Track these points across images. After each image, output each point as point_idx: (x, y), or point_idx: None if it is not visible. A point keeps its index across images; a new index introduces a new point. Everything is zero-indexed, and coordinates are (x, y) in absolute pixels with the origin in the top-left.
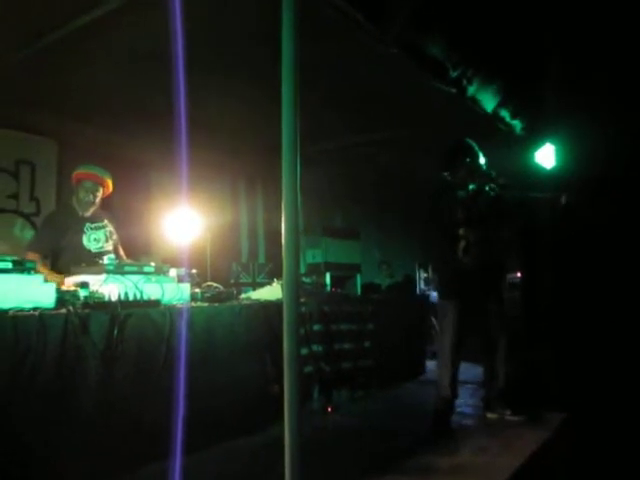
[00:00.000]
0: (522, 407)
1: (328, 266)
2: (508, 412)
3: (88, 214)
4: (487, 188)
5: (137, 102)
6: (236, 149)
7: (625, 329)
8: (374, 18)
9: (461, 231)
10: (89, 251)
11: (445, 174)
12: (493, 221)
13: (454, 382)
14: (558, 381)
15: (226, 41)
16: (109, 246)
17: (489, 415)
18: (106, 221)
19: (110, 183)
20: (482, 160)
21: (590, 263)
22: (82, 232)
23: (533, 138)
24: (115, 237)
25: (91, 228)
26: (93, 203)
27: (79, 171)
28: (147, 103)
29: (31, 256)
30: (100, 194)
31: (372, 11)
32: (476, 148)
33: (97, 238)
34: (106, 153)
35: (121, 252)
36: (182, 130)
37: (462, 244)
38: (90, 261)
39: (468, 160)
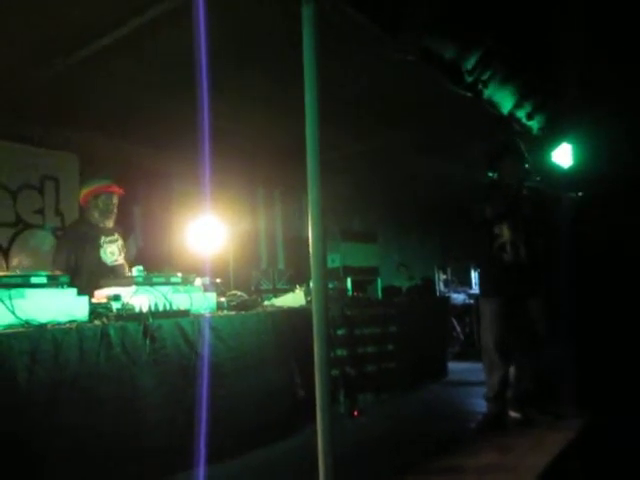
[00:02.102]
0: (548, 407)
1: (347, 270)
2: (534, 411)
3: (110, 225)
4: (528, 187)
5: (159, 114)
6: (255, 157)
7: None
8: (391, 30)
9: (497, 229)
10: (105, 264)
11: (490, 174)
12: (531, 220)
13: (504, 383)
14: (582, 379)
15: (247, 54)
16: (121, 259)
17: (513, 414)
18: (117, 235)
19: (117, 187)
20: (524, 160)
21: (612, 262)
22: (99, 246)
23: (550, 138)
24: (125, 251)
25: (106, 242)
26: (114, 212)
27: (92, 187)
28: (169, 115)
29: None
30: (117, 201)
31: (388, 24)
32: (521, 148)
33: (112, 251)
34: (128, 164)
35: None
36: (205, 141)
37: (499, 242)
38: (107, 274)
39: (512, 159)
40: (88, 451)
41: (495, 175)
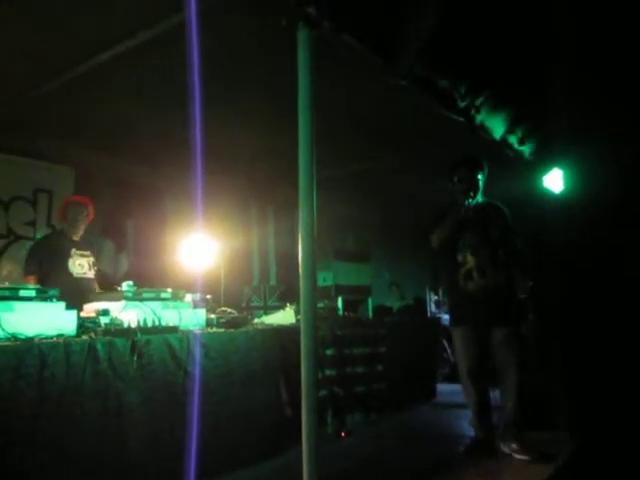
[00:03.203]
0: (529, 443)
1: (338, 289)
2: (514, 447)
3: (78, 236)
4: (493, 207)
5: (154, 131)
6: (249, 176)
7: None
8: (384, 57)
9: (460, 257)
10: (71, 275)
11: (450, 185)
12: (500, 242)
13: (481, 408)
14: (569, 403)
15: (241, 75)
16: (91, 274)
17: (501, 446)
18: (89, 252)
19: (91, 206)
20: (480, 175)
21: (601, 286)
22: (69, 255)
23: (541, 163)
24: (96, 269)
25: (77, 254)
26: (82, 222)
27: (65, 201)
28: (163, 133)
29: (29, 279)
30: (86, 214)
31: (381, 51)
32: (479, 161)
33: (81, 264)
34: (122, 180)
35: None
36: (198, 159)
37: (463, 270)
38: (72, 285)
39: (466, 171)
40: (72, 467)
41: (452, 186)
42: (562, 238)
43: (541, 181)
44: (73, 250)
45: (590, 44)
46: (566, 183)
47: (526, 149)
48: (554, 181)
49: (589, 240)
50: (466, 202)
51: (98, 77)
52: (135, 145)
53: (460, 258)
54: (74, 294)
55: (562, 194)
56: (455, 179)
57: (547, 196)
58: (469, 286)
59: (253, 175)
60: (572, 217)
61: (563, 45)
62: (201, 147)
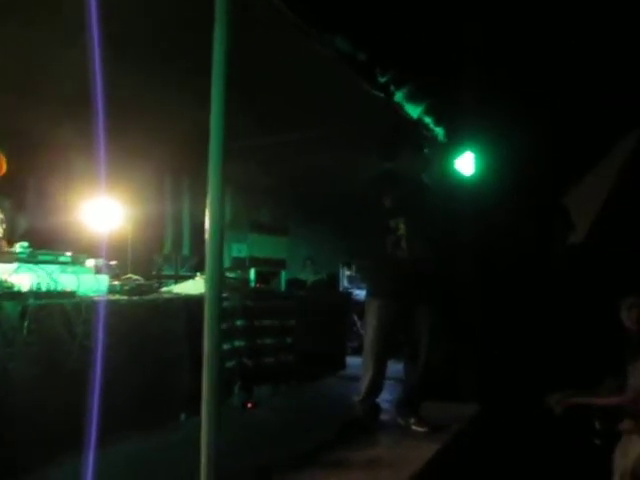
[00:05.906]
0: (426, 418)
1: (253, 260)
2: (412, 420)
3: None
4: (422, 178)
5: (58, 78)
6: (163, 138)
7: (542, 328)
8: (308, 24)
9: (392, 223)
10: None
11: (385, 163)
12: (426, 214)
13: (374, 389)
14: (474, 375)
15: (154, 24)
16: None
17: (398, 420)
18: None
19: (3, 161)
20: (422, 147)
21: (509, 265)
22: None
23: (455, 145)
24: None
25: None
26: None
27: None
28: (71, 80)
29: None
30: None
31: (306, 18)
32: (417, 135)
33: None
34: (22, 133)
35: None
36: (100, 115)
37: (393, 237)
38: None
39: (409, 148)
40: None
41: (391, 165)
42: (472, 218)
43: (453, 164)
44: None
45: (498, 36)
46: (477, 167)
47: (441, 131)
48: (465, 164)
49: (497, 219)
50: (417, 172)
51: None
52: (38, 94)
53: (393, 224)
54: None
55: (472, 178)
56: (406, 150)
57: (458, 179)
58: (397, 254)
59: (168, 138)
60: (480, 199)
61: (474, 35)
62: (106, 101)
